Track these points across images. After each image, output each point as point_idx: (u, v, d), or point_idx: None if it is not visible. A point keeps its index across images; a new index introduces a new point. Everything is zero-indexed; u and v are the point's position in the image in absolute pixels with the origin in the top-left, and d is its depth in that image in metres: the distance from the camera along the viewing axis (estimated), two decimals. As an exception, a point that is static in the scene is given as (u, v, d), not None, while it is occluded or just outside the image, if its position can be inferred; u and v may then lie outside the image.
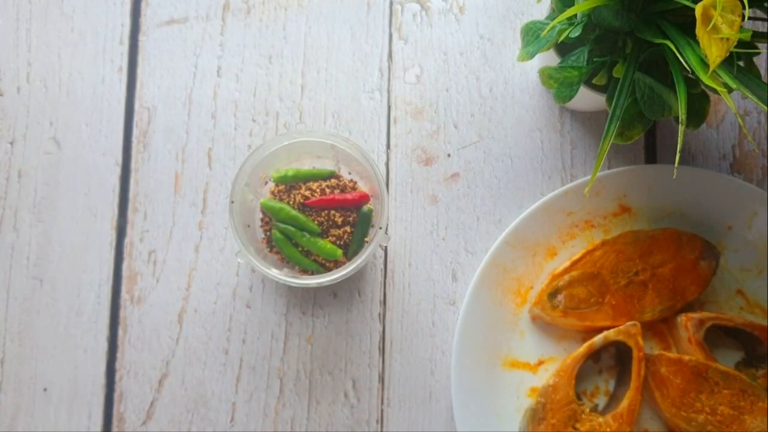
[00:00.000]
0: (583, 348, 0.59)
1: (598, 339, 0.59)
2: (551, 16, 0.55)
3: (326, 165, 0.61)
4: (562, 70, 0.54)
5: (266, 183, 0.61)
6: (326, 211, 0.59)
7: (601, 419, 0.58)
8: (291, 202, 0.59)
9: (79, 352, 0.62)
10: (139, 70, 0.66)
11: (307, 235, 0.59)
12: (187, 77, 0.66)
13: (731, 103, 0.45)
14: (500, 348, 0.61)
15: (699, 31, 0.44)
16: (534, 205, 0.61)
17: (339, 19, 0.66)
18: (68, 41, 0.66)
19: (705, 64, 0.46)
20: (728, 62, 0.47)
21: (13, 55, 0.66)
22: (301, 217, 0.59)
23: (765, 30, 0.56)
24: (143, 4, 0.67)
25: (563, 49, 0.56)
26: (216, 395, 0.62)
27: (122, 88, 0.66)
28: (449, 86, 0.66)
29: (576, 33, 0.52)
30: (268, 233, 0.60)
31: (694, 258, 0.60)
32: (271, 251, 0.60)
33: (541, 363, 0.61)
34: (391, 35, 0.66)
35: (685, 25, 0.49)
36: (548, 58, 0.58)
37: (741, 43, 0.48)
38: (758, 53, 0.49)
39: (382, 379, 0.62)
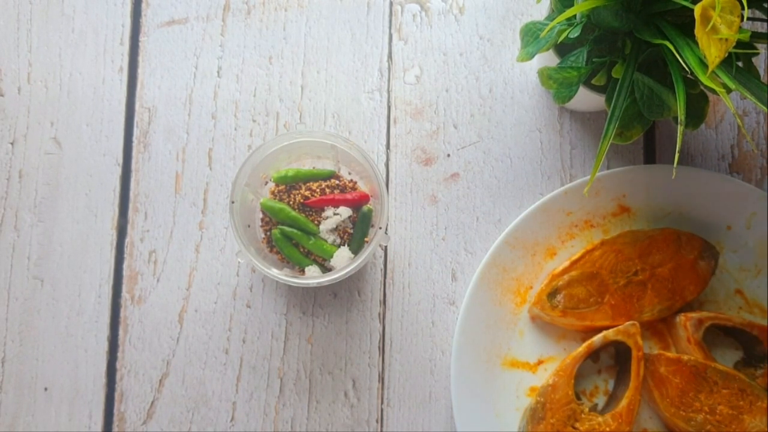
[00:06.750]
0: (582, 348, 0.59)
1: (597, 339, 0.59)
2: (551, 17, 0.55)
3: (326, 165, 0.61)
4: (562, 71, 0.54)
5: (266, 183, 0.61)
6: (326, 211, 0.59)
7: (600, 419, 0.58)
8: (291, 202, 0.59)
9: (79, 352, 0.62)
10: (140, 71, 0.66)
11: (307, 235, 0.59)
12: (187, 78, 0.66)
13: (730, 103, 0.45)
14: (500, 347, 0.61)
15: (698, 31, 0.44)
16: (533, 205, 0.61)
17: (339, 20, 0.67)
18: (69, 42, 0.66)
19: (704, 65, 0.46)
20: (727, 63, 0.47)
21: (14, 55, 0.66)
22: (301, 217, 0.59)
23: (764, 30, 0.56)
24: (144, 5, 0.67)
25: (563, 49, 0.56)
26: (216, 395, 0.62)
27: (123, 88, 0.66)
28: (449, 86, 0.66)
29: (575, 33, 0.52)
30: (268, 233, 0.60)
31: (693, 258, 0.61)
32: (271, 251, 0.61)
33: (540, 362, 0.61)
34: (390, 36, 0.66)
35: (684, 25, 0.49)
36: (548, 58, 0.58)
37: (740, 44, 0.48)
38: (757, 53, 0.50)
39: (382, 379, 0.62)
